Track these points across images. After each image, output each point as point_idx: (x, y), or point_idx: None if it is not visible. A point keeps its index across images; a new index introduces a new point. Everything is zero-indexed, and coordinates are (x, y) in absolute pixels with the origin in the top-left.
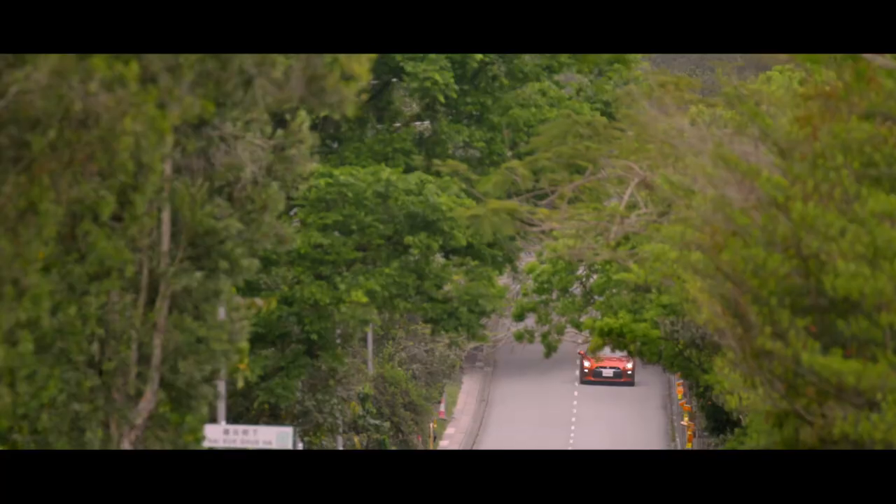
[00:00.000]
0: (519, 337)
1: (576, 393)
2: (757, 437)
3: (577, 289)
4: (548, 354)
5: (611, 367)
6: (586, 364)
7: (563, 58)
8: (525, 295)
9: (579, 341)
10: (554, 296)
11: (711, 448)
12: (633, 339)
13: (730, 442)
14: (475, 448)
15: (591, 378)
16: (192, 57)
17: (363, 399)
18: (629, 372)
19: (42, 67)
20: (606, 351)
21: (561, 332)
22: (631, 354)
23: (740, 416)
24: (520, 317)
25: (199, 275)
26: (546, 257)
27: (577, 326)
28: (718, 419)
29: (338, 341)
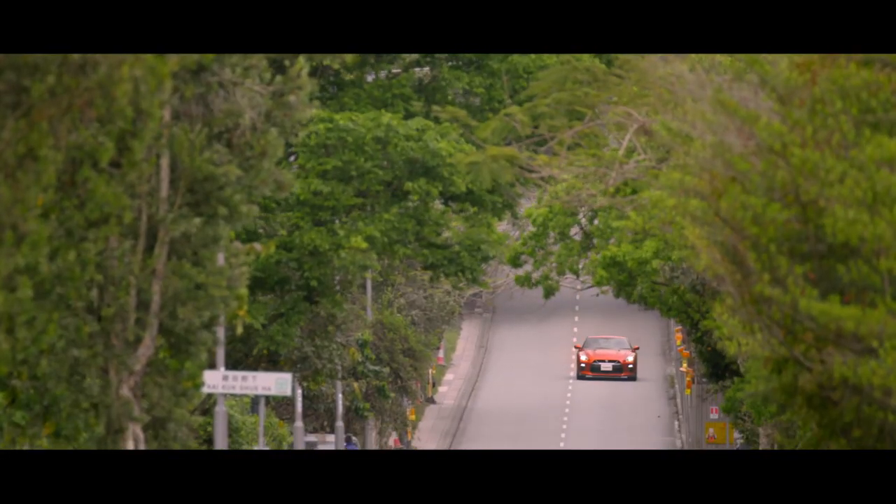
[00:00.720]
0: (520, 282)
1: (574, 339)
2: (756, 384)
3: (576, 234)
4: (547, 296)
5: (610, 361)
6: (583, 357)
7: None
8: (524, 242)
9: (578, 287)
10: (551, 239)
11: (710, 393)
12: (636, 270)
13: (729, 391)
14: (474, 393)
15: (589, 373)
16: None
17: (362, 345)
18: (630, 366)
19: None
20: (605, 345)
21: (560, 272)
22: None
23: (739, 363)
24: (514, 261)
25: (197, 221)
26: (545, 201)
27: (576, 272)
28: (717, 365)
29: (337, 287)
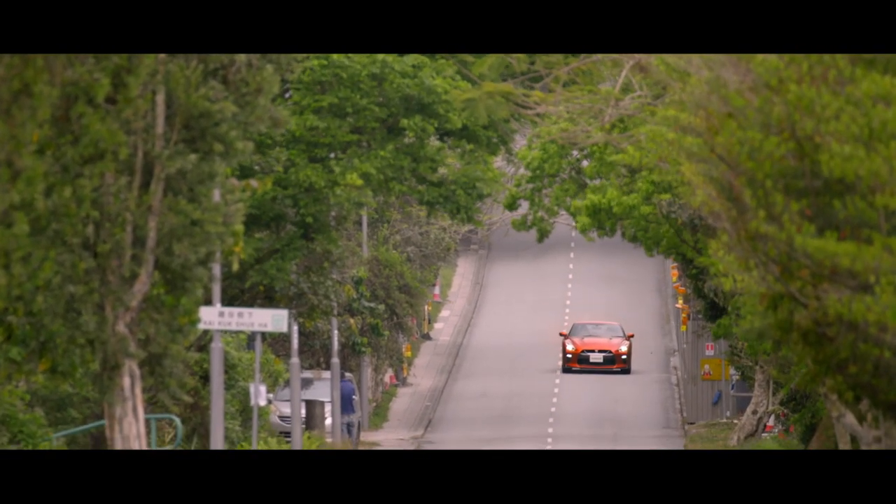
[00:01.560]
0: (517, 226)
1: (570, 276)
2: (751, 320)
3: (570, 173)
4: (540, 239)
5: (600, 351)
6: (569, 346)
7: None
8: (518, 185)
9: (573, 224)
10: (545, 181)
11: (706, 329)
12: (623, 214)
13: (722, 319)
14: (470, 330)
15: (576, 365)
16: None
17: (357, 282)
18: (623, 356)
19: None
20: (594, 332)
21: (553, 214)
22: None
23: (735, 297)
24: (511, 206)
25: (193, 157)
26: (538, 142)
27: (570, 212)
28: (713, 302)
29: (332, 224)
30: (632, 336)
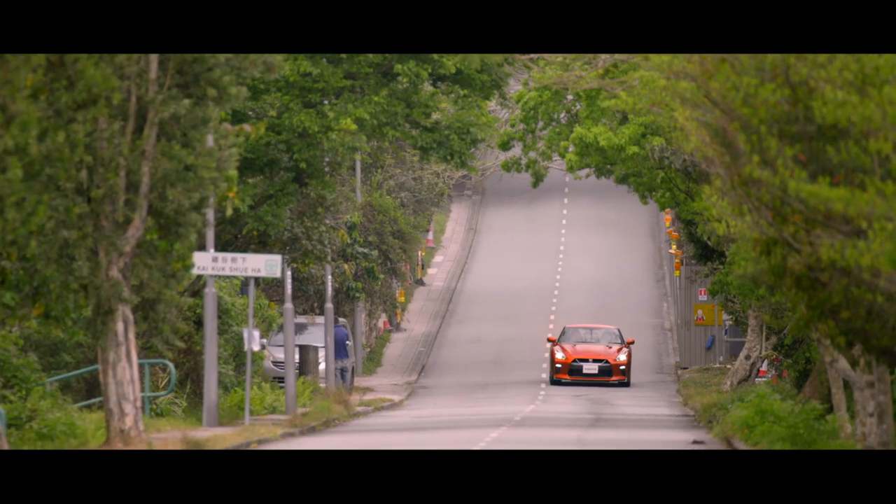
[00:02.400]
0: (506, 167)
1: (564, 222)
2: (745, 265)
3: (564, 118)
4: (535, 184)
5: (595, 361)
6: (559, 355)
7: None
8: (513, 125)
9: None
10: (540, 125)
11: (699, 275)
12: (611, 152)
13: (717, 275)
14: (463, 275)
15: (566, 376)
16: None
17: (351, 227)
18: (622, 367)
19: None
20: (588, 337)
21: (547, 158)
22: (618, 181)
23: (728, 245)
24: (505, 146)
25: (187, 102)
26: (533, 87)
27: (563, 155)
28: (706, 247)
29: (326, 169)
30: (632, 343)
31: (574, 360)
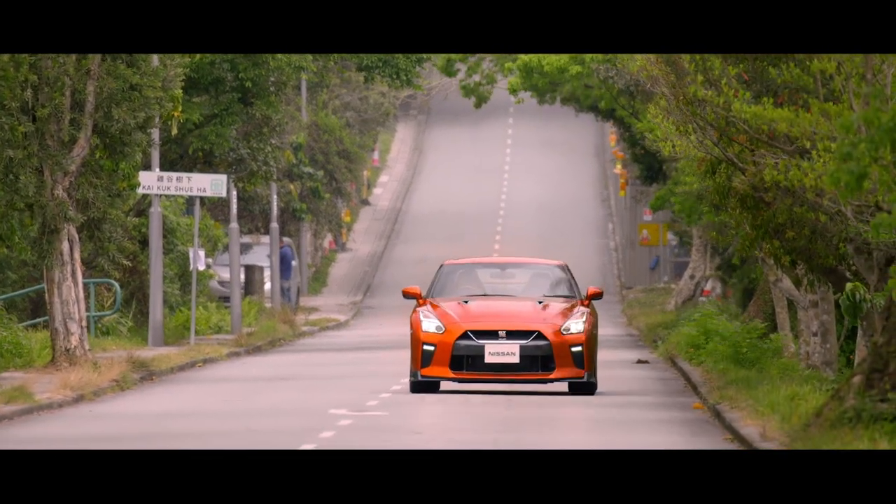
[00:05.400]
0: (467, 92)
1: (509, 142)
2: (689, 184)
3: None
4: (478, 105)
5: (512, 336)
6: (429, 328)
7: None
8: None
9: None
10: None
11: (644, 194)
12: (554, 75)
13: (659, 191)
14: (409, 195)
15: (450, 373)
16: None
17: (297, 147)
18: (576, 348)
19: None
20: (497, 285)
21: (492, 81)
22: (563, 102)
23: (673, 165)
24: (447, 70)
25: None
26: None
27: (506, 75)
28: (651, 167)
29: (272, 89)
30: (596, 296)
31: (464, 337)
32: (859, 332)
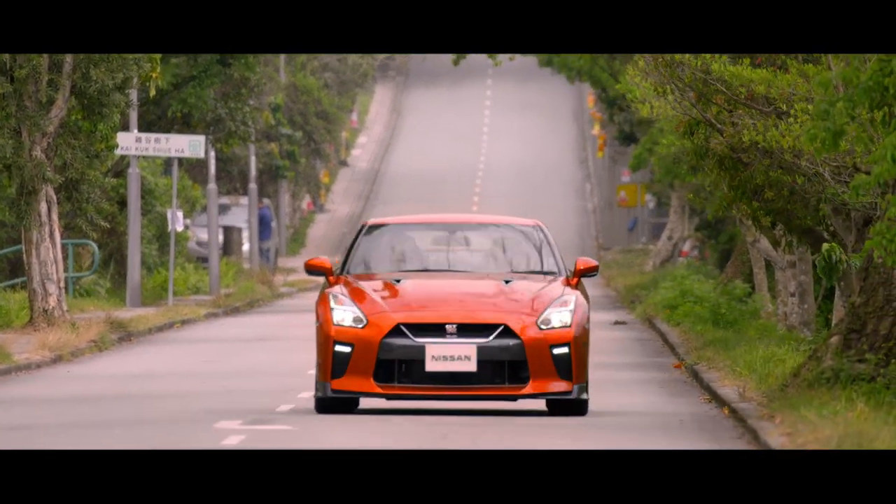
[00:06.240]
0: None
1: (488, 103)
2: (667, 145)
3: None
4: (456, 62)
5: (466, 332)
6: (341, 318)
7: None
8: None
9: None
10: None
11: (623, 155)
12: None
13: (636, 150)
14: (387, 157)
15: (372, 387)
16: None
17: (275, 108)
18: (560, 350)
19: None
20: (442, 260)
21: None
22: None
23: (644, 127)
24: None
25: None
26: None
27: None
28: (629, 129)
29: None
30: (587, 272)
31: (395, 333)
32: (837, 293)
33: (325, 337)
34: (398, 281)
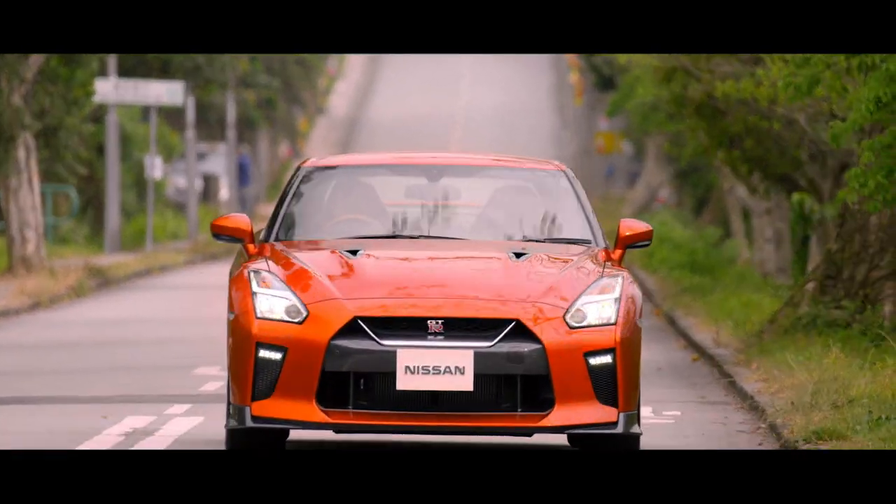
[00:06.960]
0: None
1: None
2: (645, 92)
3: None
4: None
5: (461, 338)
6: (264, 311)
7: None
8: None
9: None
10: None
11: (601, 102)
12: None
13: (614, 98)
14: (366, 103)
15: (338, 418)
16: None
17: (252, 56)
18: (602, 366)
19: None
20: (423, 216)
21: None
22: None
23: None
24: None
25: None
26: None
27: None
28: (606, 75)
29: None
30: (642, 240)
31: (349, 331)
32: (813, 239)
33: (244, 337)
34: (354, 253)
